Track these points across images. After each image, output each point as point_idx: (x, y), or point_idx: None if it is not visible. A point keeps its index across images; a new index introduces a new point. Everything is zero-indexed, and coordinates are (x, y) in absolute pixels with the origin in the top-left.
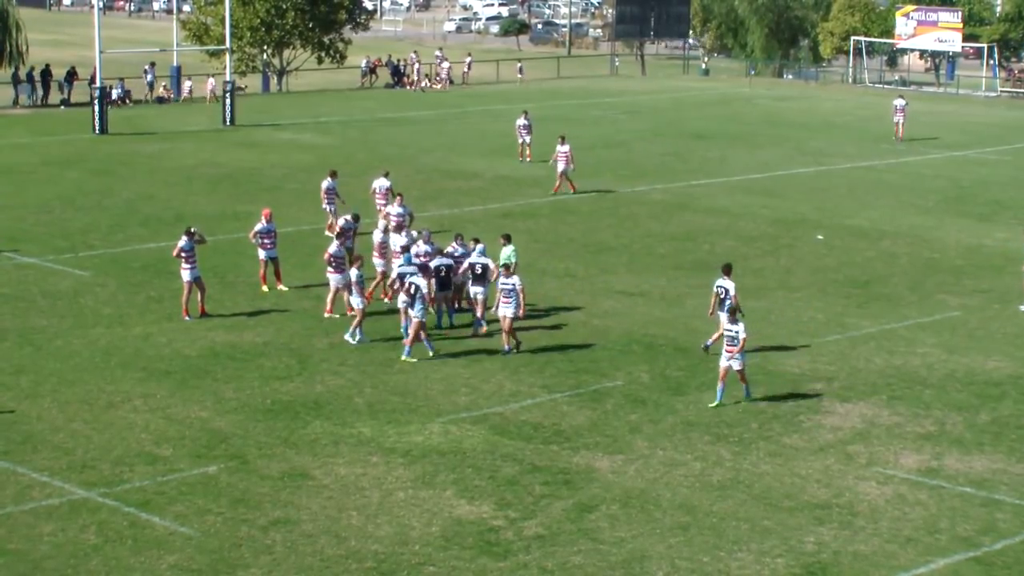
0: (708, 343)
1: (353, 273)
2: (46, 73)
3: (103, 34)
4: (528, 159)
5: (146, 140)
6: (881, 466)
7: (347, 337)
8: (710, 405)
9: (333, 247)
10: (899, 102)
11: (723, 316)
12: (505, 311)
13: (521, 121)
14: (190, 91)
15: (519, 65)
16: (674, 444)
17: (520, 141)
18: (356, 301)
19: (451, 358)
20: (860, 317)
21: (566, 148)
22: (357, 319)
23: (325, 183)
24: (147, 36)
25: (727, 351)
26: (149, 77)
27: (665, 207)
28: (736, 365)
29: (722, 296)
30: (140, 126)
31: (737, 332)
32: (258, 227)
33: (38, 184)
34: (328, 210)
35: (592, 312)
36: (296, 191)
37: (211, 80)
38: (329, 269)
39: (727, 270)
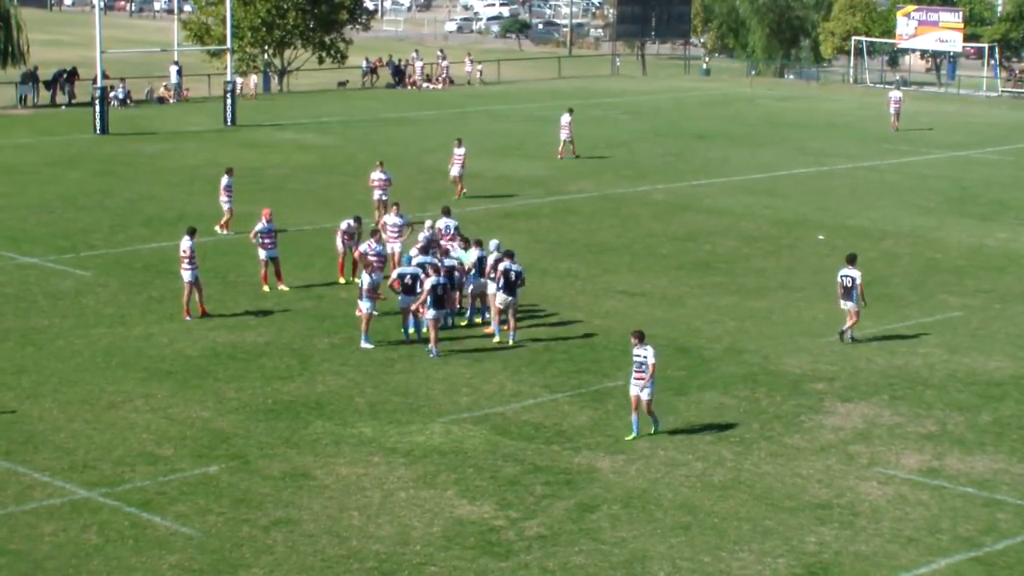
0: (844, 329)
1: (364, 279)
2: (59, 76)
3: (104, 34)
4: (561, 156)
5: (147, 140)
6: (882, 466)
7: (363, 344)
8: (626, 438)
9: (364, 247)
10: (895, 94)
11: (848, 305)
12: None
13: (565, 119)
14: (270, 84)
15: (480, 66)
16: (675, 444)
17: (563, 139)
18: (365, 305)
19: (452, 358)
20: (862, 317)
21: (462, 151)
22: (364, 323)
23: (224, 180)
24: (148, 36)
25: (636, 378)
26: (175, 78)
27: (667, 207)
28: (644, 395)
29: (848, 285)
30: (141, 126)
31: (646, 357)
32: (258, 227)
33: (40, 184)
34: (226, 207)
35: (594, 312)
36: (297, 191)
37: (253, 78)
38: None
39: (852, 259)
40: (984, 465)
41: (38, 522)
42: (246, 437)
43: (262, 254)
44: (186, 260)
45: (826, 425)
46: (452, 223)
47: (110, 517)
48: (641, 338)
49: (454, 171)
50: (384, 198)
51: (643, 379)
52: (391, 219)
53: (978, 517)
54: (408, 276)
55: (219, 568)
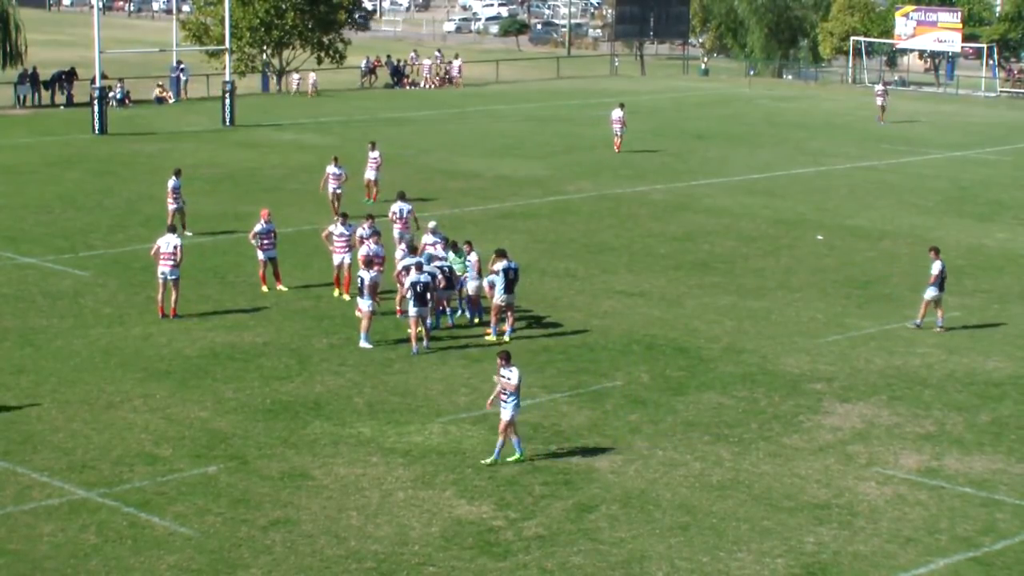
0: (919, 321)
1: (365, 276)
2: (58, 77)
3: (103, 34)
4: (618, 150)
5: (146, 140)
6: (881, 466)
7: (363, 343)
8: (483, 462)
9: (364, 249)
10: (880, 87)
11: (941, 295)
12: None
13: (617, 113)
14: (269, 85)
15: (458, 63)
16: (674, 444)
17: (616, 134)
18: (365, 304)
19: (450, 358)
20: (860, 317)
21: (376, 154)
22: (366, 322)
23: (171, 182)
24: (147, 36)
25: (502, 399)
26: (184, 76)
27: (665, 207)
28: (505, 415)
29: (945, 275)
30: (140, 126)
31: (510, 379)
32: (257, 228)
33: (38, 184)
34: (172, 208)
35: (592, 312)
36: (296, 191)
37: (312, 75)
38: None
39: (937, 251)
40: (982, 465)
41: (37, 522)
42: (244, 437)
43: (260, 255)
44: (174, 258)
45: (824, 425)
46: (406, 207)
47: (108, 517)
48: (507, 359)
49: (369, 174)
50: (339, 191)
51: (506, 398)
52: (363, 231)
53: (976, 517)
54: (420, 285)
55: (217, 568)
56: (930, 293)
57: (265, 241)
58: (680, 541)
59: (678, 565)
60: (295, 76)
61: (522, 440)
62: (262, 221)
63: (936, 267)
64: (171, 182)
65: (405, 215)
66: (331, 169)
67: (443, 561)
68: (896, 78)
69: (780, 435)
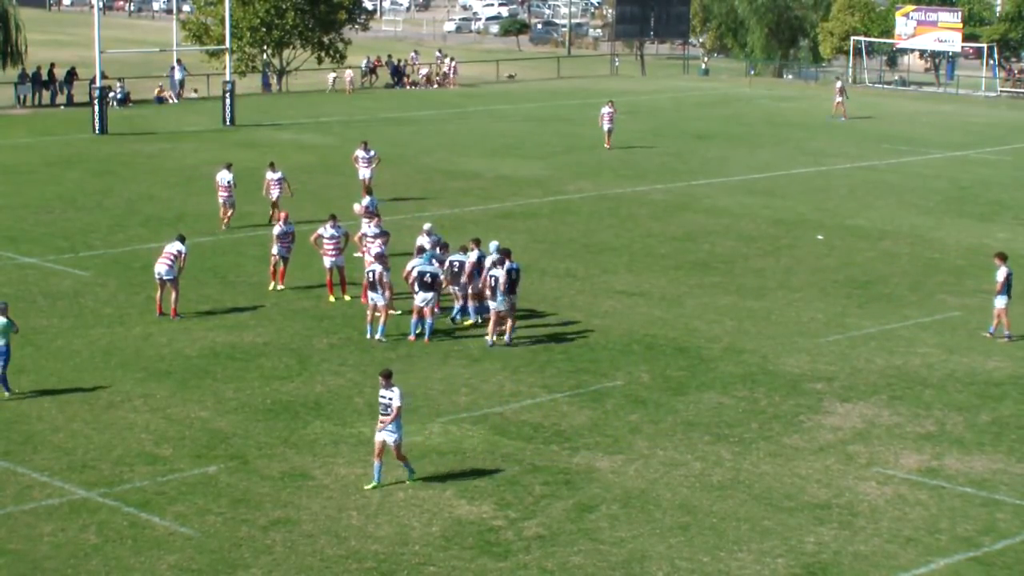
0: (992, 330)
1: (384, 271)
2: (50, 74)
3: (103, 34)
4: (607, 147)
5: (146, 140)
6: (881, 466)
7: (379, 337)
8: (366, 487)
9: (376, 249)
10: (838, 84)
11: (1004, 299)
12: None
13: (606, 110)
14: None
15: (453, 63)
16: (674, 444)
17: (605, 129)
18: (381, 299)
19: (451, 358)
20: (860, 317)
21: (371, 155)
22: (383, 317)
23: (223, 176)
24: (147, 36)
25: (380, 421)
26: (179, 74)
27: (665, 207)
28: (390, 439)
29: (1011, 282)
30: (140, 126)
31: (391, 399)
32: (276, 230)
33: (38, 184)
34: (225, 203)
35: (592, 312)
36: (296, 191)
37: (349, 72)
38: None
39: (1004, 257)
40: (983, 465)
41: (37, 522)
42: (245, 437)
43: (279, 251)
44: (171, 259)
45: (825, 425)
46: (373, 199)
47: (109, 517)
48: (388, 377)
49: (364, 173)
50: (276, 197)
51: (386, 422)
52: (327, 231)
53: (977, 517)
54: (428, 275)
55: (218, 568)
56: (1001, 301)
57: (285, 241)
58: (680, 541)
59: (678, 565)
60: (331, 75)
61: (412, 465)
62: (280, 223)
63: (1002, 273)
64: (223, 176)
65: (373, 209)
66: (270, 175)
67: (443, 561)
68: (896, 78)
69: (780, 435)
